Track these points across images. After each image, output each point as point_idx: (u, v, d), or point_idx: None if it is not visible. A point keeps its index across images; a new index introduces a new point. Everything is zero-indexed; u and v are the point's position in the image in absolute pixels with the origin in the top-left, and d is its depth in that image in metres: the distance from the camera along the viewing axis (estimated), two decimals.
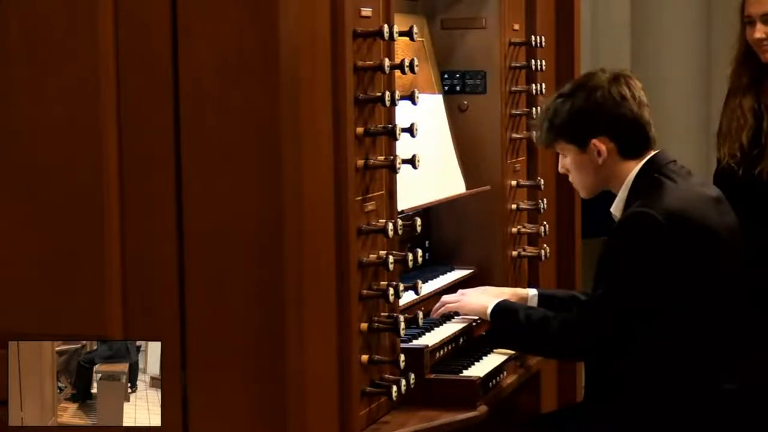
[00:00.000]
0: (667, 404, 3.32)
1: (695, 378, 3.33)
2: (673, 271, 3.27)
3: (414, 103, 3.18)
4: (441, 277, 3.92)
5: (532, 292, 3.79)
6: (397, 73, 3.18)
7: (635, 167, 3.44)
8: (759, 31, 4.35)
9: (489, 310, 3.56)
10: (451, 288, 3.86)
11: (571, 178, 3.56)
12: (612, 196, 3.52)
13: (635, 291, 3.29)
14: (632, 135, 3.45)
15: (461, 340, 3.64)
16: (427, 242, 4.04)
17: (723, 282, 3.36)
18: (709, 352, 3.34)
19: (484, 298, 3.63)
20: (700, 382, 3.33)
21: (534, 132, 3.61)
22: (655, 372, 3.33)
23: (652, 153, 3.46)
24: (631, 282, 3.29)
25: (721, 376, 3.35)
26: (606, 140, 3.43)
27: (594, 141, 3.43)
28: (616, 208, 3.48)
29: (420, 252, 3.22)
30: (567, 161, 3.53)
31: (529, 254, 4.18)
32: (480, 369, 3.47)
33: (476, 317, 3.66)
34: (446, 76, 4.09)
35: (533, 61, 4.15)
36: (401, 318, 3.12)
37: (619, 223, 3.37)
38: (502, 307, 3.57)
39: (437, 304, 3.70)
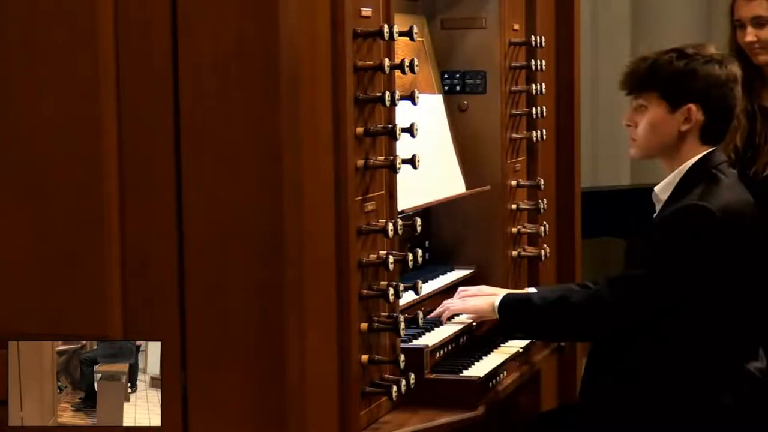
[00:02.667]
0: (664, 413, 3.31)
1: (695, 390, 3.33)
2: (717, 267, 3.29)
3: (414, 103, 3.18)
4: (441, 277, 3.92)
5: (531, 291, 3.78)
6: (397, 73, 3.18)
7: (697, 154, 3.42)
8: (749, 35, 4.36)
9: (497, 303, 3.54)
10: (452, 288, 3.86)
11: (634, 134, 3.49)
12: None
13: (678, 280, 3.29)
14: (722, 119, 3.45)
15: (461, 340, 3.64)
16: (427, 242, 4.04)
17: (753, 282, 3.38)
18: (714, 356, 3.34)
19: (488, 297, 3.61)
20: (700, 394, 3.33)
21: (627, 74, 3.50)
22: (663, 369, 3.33)
23: (713, 148, 3.45)
24: (676, 270, 3.29)
25: (722, 389, 3.34)
26: (700, 111, 3.41)
27: (691, 105, 3.40)
28: (662, 190, 3.46)
29: (420, 252, 3.21)
30: (641, 116, 3.46)
31: (529, 254, 4.18)
32: (480, 369, 3.47)
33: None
34: (446, 76, 4.09)
35: (533, 61, 4.15)
36: (401, 318, 3.12)
37: (673, 213, 3.34)
38: (510, 299, 3.55)
39: (439, 308, 3.68)
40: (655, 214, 3.47)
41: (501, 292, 3.65)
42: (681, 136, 3.43)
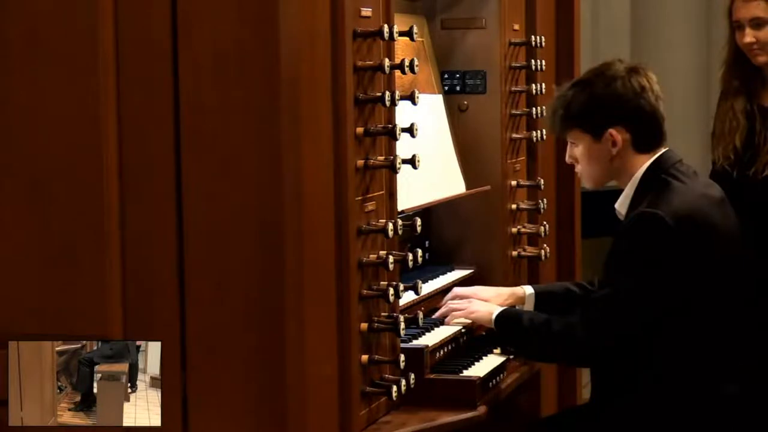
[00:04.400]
0: (668, 407, 3.31)
1: (697, 380, 3.32)
2: (679, 273, 3.26)
3: (414, 103, 3.18)
4: (441, 277, 3.92)
5: (529, 290, 3.78)
6: (397, 73, 3.18)
7: (645, 163, 3.42)
8: (748, 36, 4.35)
9: (494, 317, 3.53)
10: (451, 288, 3.86)
11: (578, 169, 3.53)
12: (614, 195, 3.51)
13: (641, 294, 3.26)
14: (648, 127, 3.44)
15: (461, 340, 3.64)
16: (427, 242, 4.03)
17: (726, 283, 3.36)
18: (712, 355, 3.33)
19: (490, 306, 3.61)
20: (703, 384, 3.32)
21: (548, 120, 3.58)
22: (658, 375, 3.32)
23: (662, 150, 3.45)
24: (637, 285, 3.27)
25: (724, 378, 3.34)
26: (622, 131, 3.41)
27: (611, 131, 3.41)
28: (621, 205, 3.46)
29: (420, 252, 3.21)
30: (576, 151, 3.49)
31: (529, 254, 4.17)
32: (480, 369, 3.47)
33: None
34: (446, 76, 4.09)
35: (533, 61, 4.15)
36: (401, 318, 3.12)
37: (626, 224, 3.35)
38: (505, 315, 3.54)
39: (444, 309, 3.68)
40: None
41: (499, 298, 3.66)
42: (617, 157, 3.43)
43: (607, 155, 3.44)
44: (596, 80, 3.46)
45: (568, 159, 3.56)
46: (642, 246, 3.28)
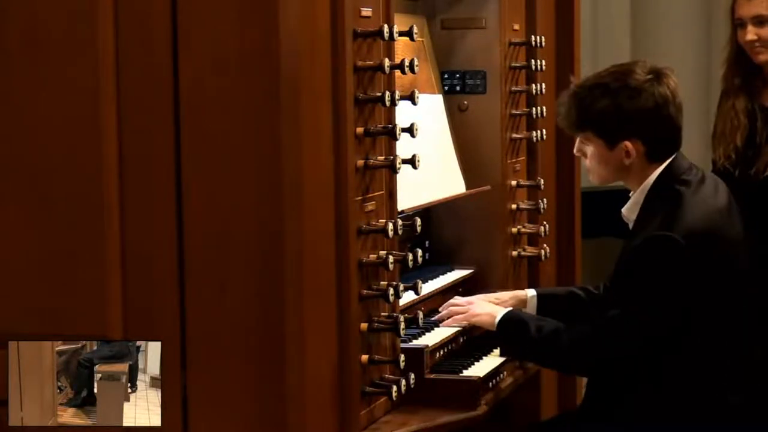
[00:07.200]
0: (671, 416, 3.30)
1: (702, 391, 3.31)
2: (692, 292, 3.25)
3: (414, 103, 3.18)
4: (441, 277, 3.92)
5: (531, 293, 3.78)
6: (397, 73, 3.18)
7: (656, 171, 3.38)
8: (750, 33, 4.36)
9: (497, 321, 3.51)
10: (452, 288, 3.86)
11: (586, 163, 3.48)
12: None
13: (655, 315, 3.24)
14: (665, 139, 3.39)
15: (461, 340, 3.64)
16: (427, 242, 4.03)
17: (734, 294, 3.35)
18: (717, 365, 3.33)
19: (492, 308, 3.59)
20: (706, 394, 3.31)
21: (561, 115, 3.49)
22: (661, 384, 3.31)
23: (673, 156, 3.40)
24: (651, 306, 3.24)
25: (728, 389, 3.33)
26: (638, 143, 3.36)
27: (626, 143, 3.35)
28: (629, 211, 3.43)
29: (420, 252, 3.21)
30: (588, 148, 3.43)
31: (529, 254, 4.17)
32: (480, 369, 3.47)
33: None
34: (446, 76, 4.09)
35: (533, 61, 4.15)
36: (401, 318, 3.12)
37: (640, 245, 3.28)
38: (510, 318, 3.51)
39: (444, 312, 3.68)
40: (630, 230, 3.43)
41: (501, 302, 3.66)
42: (628, 165, 3.38)
43: (619, 162, 3.38)
44: (620, 90, 3.35)
45: (576, 152, 3.51)
46: (656, 269, 3.24)
